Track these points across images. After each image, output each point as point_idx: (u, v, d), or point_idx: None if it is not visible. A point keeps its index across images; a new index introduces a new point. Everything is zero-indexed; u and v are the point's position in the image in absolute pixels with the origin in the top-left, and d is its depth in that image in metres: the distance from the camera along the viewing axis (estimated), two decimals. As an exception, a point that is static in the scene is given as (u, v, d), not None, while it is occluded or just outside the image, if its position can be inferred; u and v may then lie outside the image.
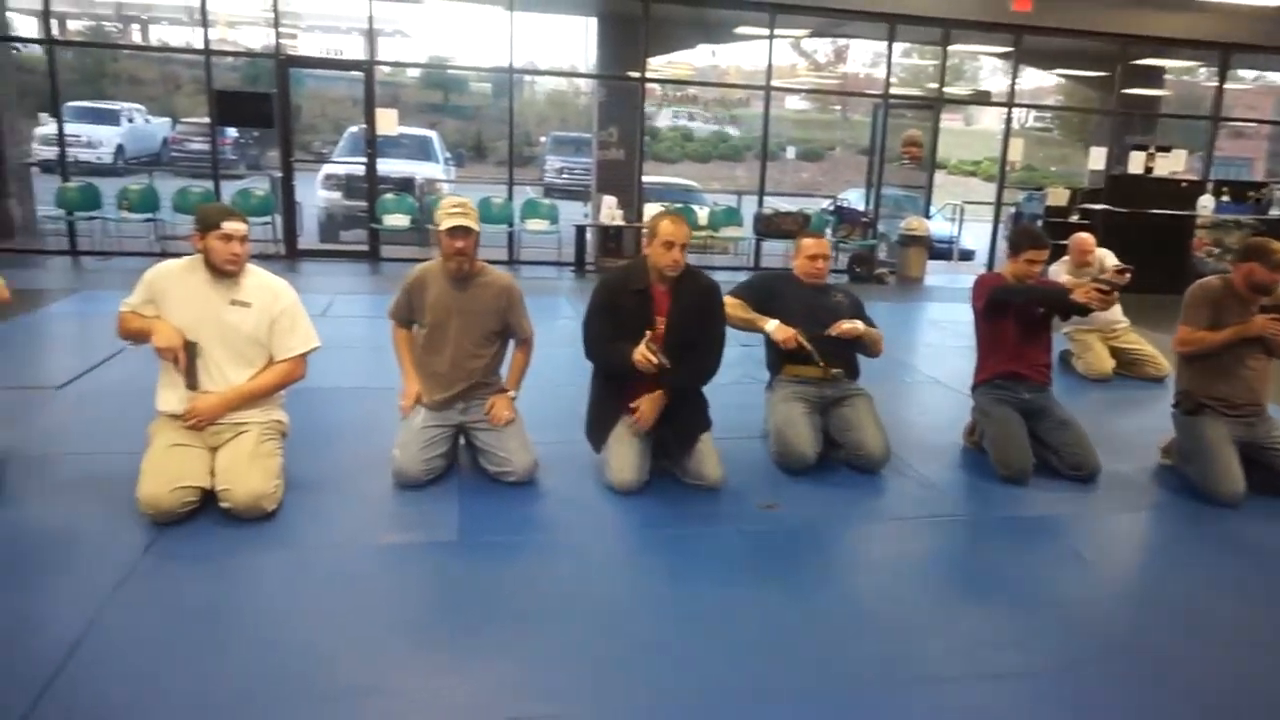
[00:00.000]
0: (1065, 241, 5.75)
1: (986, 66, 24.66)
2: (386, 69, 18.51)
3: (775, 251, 9.90)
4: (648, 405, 3.41)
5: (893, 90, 10.67)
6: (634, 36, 9.51)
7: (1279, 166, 15.52)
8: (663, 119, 26.66)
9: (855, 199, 11.80)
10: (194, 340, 3.05)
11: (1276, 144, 16.09)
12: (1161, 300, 6.04)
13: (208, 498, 3.01)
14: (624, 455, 3.41)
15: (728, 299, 3.70)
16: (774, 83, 10.21)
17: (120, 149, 16.75)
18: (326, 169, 10.64)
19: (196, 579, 2.66)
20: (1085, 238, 5.64)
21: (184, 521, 2.94)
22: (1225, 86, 10.99)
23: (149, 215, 8.73)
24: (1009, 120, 10.64)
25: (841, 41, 24.24)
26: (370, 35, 9.49)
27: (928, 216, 10.31)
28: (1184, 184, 9.73)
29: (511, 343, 3.60)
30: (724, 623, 2.56)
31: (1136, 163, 9.95)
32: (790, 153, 24.85)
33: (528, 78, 18.16)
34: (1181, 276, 6.24)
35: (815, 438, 3.72)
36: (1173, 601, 2.87)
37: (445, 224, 3.27)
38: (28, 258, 8.31)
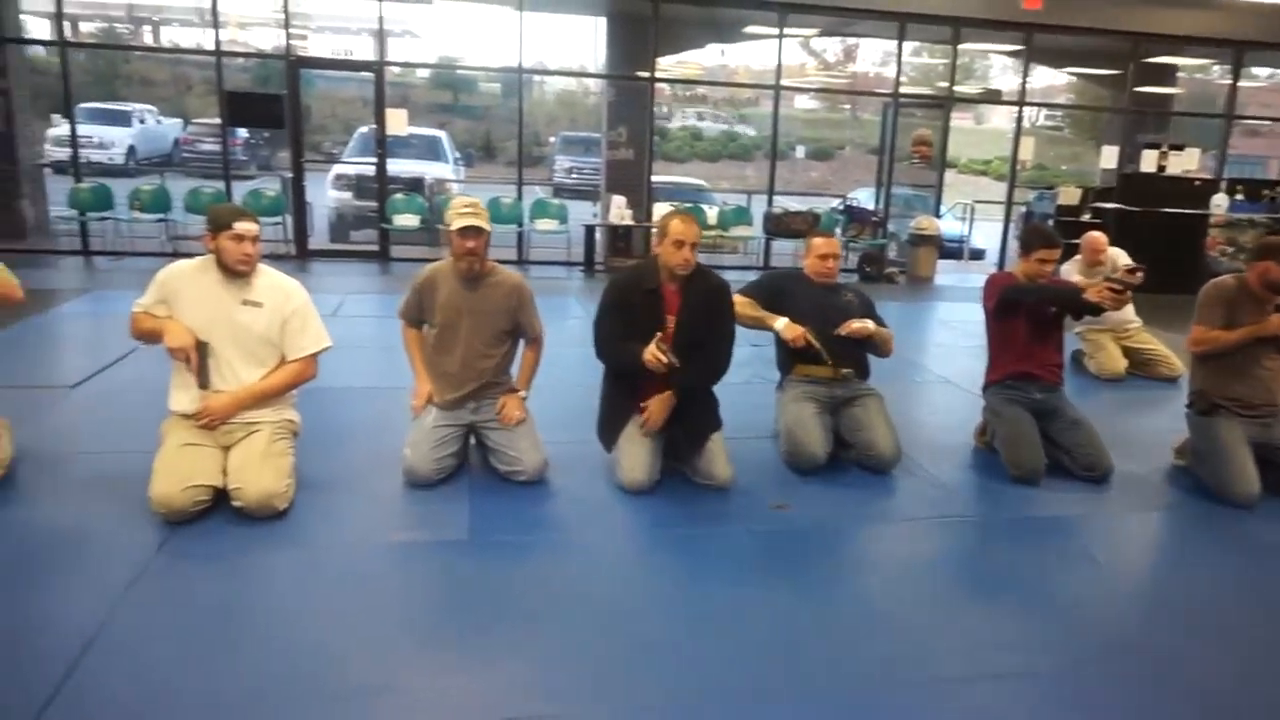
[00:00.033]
0: (1077, 241, 5.72)
1: (997, 65, 24.60)
2: (396, 69, 18.55)
3: (784, 251, 9.88)
4: (656, 406, 3.41)
5: (903, 89, 10.64)
6: (643, 36, 9.51)
7: (1293, 165, 15.43)
8: (677, 120, 26.66)
9: (865, 198, 11.76)
10: (206, 340, 3.07)
11: (1291, 142, 15.99)
12: (1174, 300, 6.00)
13: (220, 497, 3.02)
14: (635, 455, 3.41)
15: (737, 297, 3.70)
16: (783, 82, 10.20)
17: (132, 150, 16.84)
18: (337, 169, 10.67)
19: (208, 578, 2.67)
20: (1098, 237, 5.61)
21: (196, 520, 2.95)
22: (1239, 84, 10.91)
23: (161, 216, 8.77)
24: (1020, 119, 10.59)
25: (851, 40, 24.21)
26: (380, 36, 9.53)
27: (938, 216, 10.27)
28: (1197, 183, 9.66)
29: (522, 342, 3.60)
30: (734, 622, 2.56)
31: (1149, 161, 9.89)
32: (800, 152, 24.80)
33: (537, 78, 18.20)
34: (1195, 276, 6.19)
35: (826, 438, 3.71)
36: (1185, 603, 2.85)
37: (457, 224, 3.27)
38: (41, 258, 8.37)
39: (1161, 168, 9.82)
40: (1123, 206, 9.32)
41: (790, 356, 3.89)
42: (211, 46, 8.83)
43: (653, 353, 3.21)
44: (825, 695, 2.25)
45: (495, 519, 3.16)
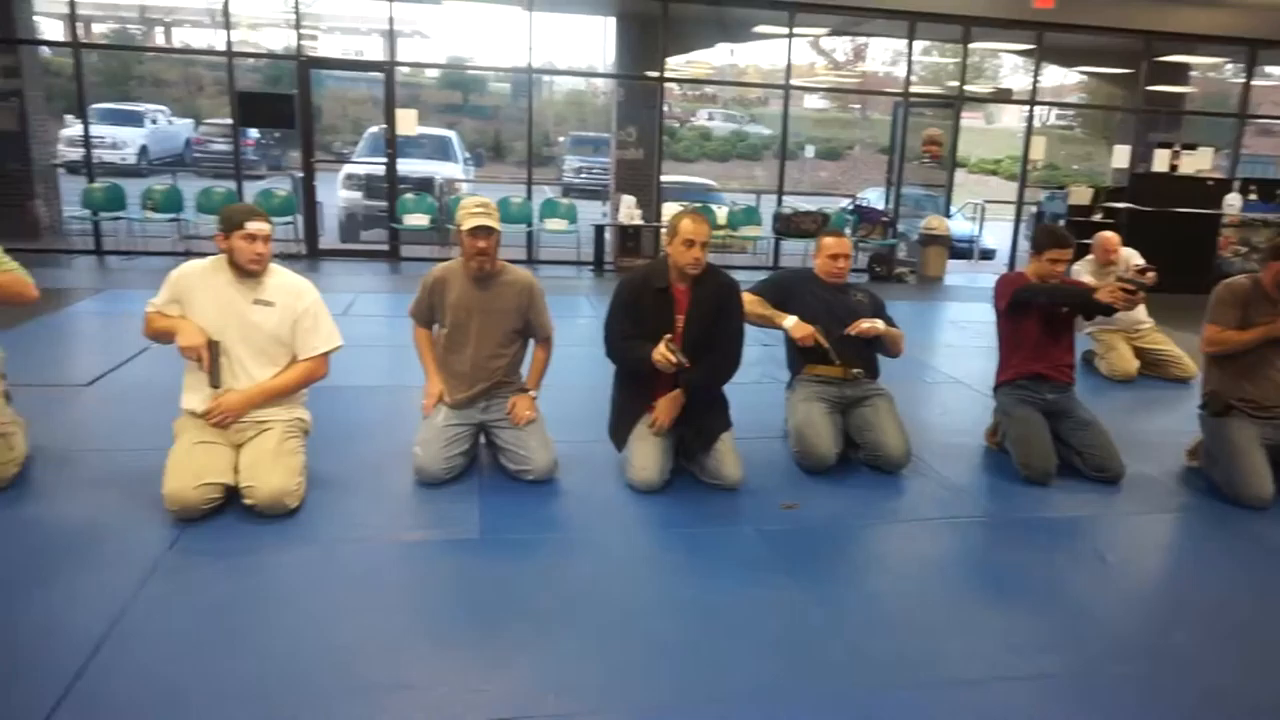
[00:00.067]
0: (1088, 241, 5.69)
1: (1008, 64, 24.46)
2: (406, 70, 18.61)
3: (794, 251, 9.87)
4: (665, 405, 3.41)
5: (913, 88, 10.61)
6: (653, 36, 9.51)
7: (1307, 164, 15.31)
8: (696, 121, 26.62)
9: (875, 198, 11.73)
10: (218, 339, 3.09)
11: (1305, 141, 15.86)
12: (1187, 300, 5.96)
13: (231, 495, 3.04)
14: (646, 454, 3.41)
15: (747, 295, 3.69)
16: (793, 81, 10.18)
17: (144, 150, 16.93)
18: (347, 169, 10.71)
19: (220, 575, 2.68)
20: (1110, 236, 5.58)
21: (208, 518, 2.97)
22: (1252, 83, 10.83)
23: (173, 215, 8.82)
24: (1030, 118, 10.55)
25: (861, 40, 24.15)
26: (390, 36, 9.56)
27: (948, 215, 10.24)
28: (1210, 182, 9.59)
29: (532, 342, 3.61)
30: (744, 622, 2.56)
31: (1161, 161, 9.83)
32: (809, 152, 24.73)
33: (546, 78, 18.21)
34: (1207, 276, 6.16)
35: (835, 438, 3.70)
36: (1197, 605, 2.84)
37: (468, 224, 3.28)
38: (55, 257, 8.43)
39: (1174, 167, 9.76)
40: (1135, 206, 9.27)
41: (800, 356, 3.89)
42: (223, 47, 8.87)
43: (661, 353, 3.21)
44: (836, 695, 2.25)
45: (505, 518, 3.17)
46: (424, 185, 10.13)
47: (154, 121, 18.08)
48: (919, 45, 10.48)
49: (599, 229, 9.38)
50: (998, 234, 11.90)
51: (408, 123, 9.17)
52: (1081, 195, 9.98)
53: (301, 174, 9.14)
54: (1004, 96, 16.11)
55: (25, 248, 7.99)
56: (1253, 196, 9.66)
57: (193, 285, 3.12)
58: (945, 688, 2.30)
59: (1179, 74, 12.31)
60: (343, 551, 2.87)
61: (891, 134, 10.96)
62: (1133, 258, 5.50)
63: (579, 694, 2.21)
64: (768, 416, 4.13)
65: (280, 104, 9.11)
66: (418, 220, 9.12)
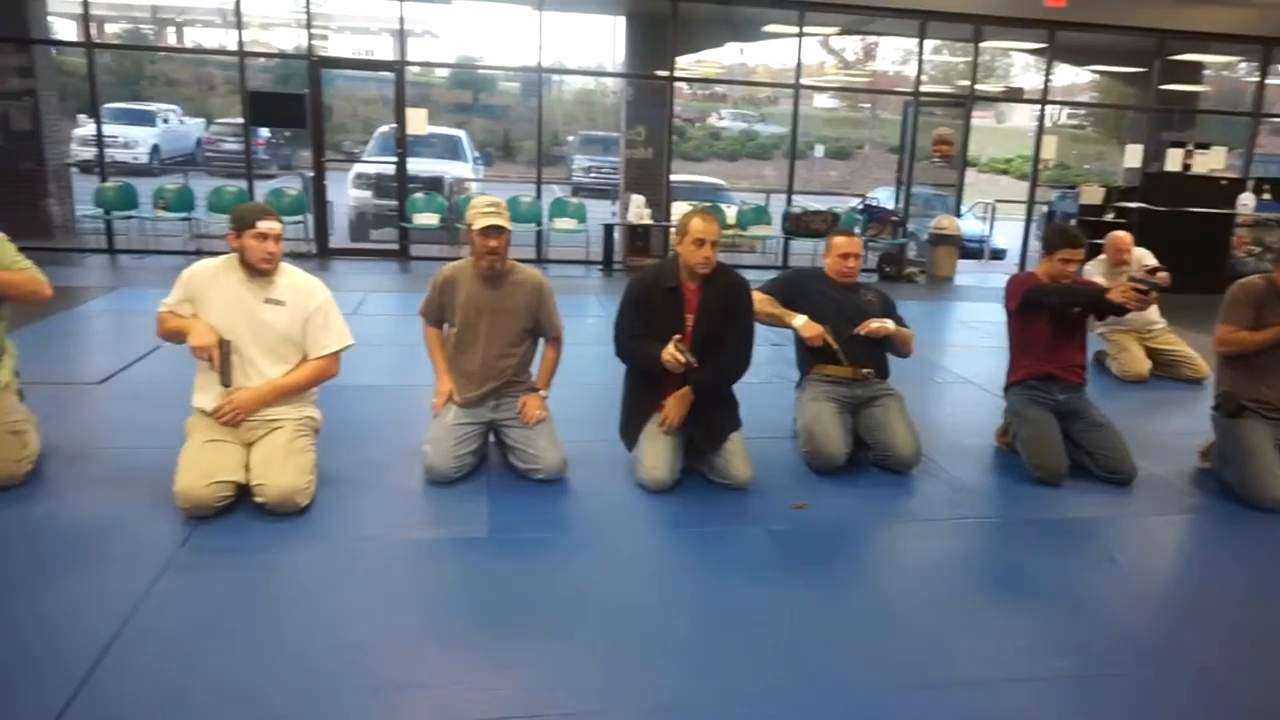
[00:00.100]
0: (1100, 241, 5.67)
1: (1019, 63, 24.28)
2: (416, 69, 18.65)
3: (803, 251, 9.85)
4: (674, 404, 3.41)
5: (923, 88, 10.57)
6: (662, 35, 9.50)
7: (1322, 164, 15.18)
8: (711, 120, 26.57)
9: (885, 198, 11.70)
10: (229, 338, 3.10)
11: (1319, 141, 15.72)
12: (1199, 300, 5.92)
13: (242, 493, 3.05)
14: (656, 453, 3.41)
15: (756, 294, 3.69)
16: (803, 81, 10.16)
17: (156, 149, 17.02)
18: (357, 168, 10.74)
19: (231, 572, 2.70)
20: (1123, 236, 5.55)
21: (219, 516, 2.99)
22: (1266, 81, 10.75)
23: (184, 214, 8.86)
24: (1042, 117, 10.49)
25: (871, 39, 24.04)
26: (400, 36, 9.58)
27: (958, 215, 10.20)
28: (1223, 182, 9.52)
29: (542, 341, 3.61)
30: (753, 622, 2.56)
31: (1174, 160, 9.76)
32: (819, 151, 24.67)
33: (556, 77, 18.21)
34: (1220, 276, 6.12)
35: (845, 438, 3.69)
36: (1208, 607, 2.82)
37: (479, 223, 3.29)
38: (67, 256, 8.48)
39: (1187, 166, 9.70)
40: (1147, 206, 9.21)
41: (810, 356, 3.88)
42: (234, 47, 8.91)
43: (671, 353, 3.21)
44: (845, 696, 2.24)
45: (514, 517, 3.17)
46: (434, 184, 10.15)
47: (165, 121, 18.17)
48: (929, 44, 10.42)
49: (608, 228, 9.38)
50: (1008, 234, 11.84)
51: (418, 122, 9.19)
52: (1093, 195, 9.93)
53: (312, 173, 9.17)
54: (1015, 96, 16.05)
55: (39, 246, 8.03)
56: (1266, 196, 9.59)
57: (204, 284, 3.13)
58: (955, 688, 2.30)
59: (1192, 73, 12.24)
60: (353, 550, 2.88)
61: (902, 133, 10.93)
62: (1145, 258, 5.47)
63: (588, 692, 2.21)
64: (777, 416, 4.12)
65: (291, 103, 9.14)
66: (427, 219, 9.14)
